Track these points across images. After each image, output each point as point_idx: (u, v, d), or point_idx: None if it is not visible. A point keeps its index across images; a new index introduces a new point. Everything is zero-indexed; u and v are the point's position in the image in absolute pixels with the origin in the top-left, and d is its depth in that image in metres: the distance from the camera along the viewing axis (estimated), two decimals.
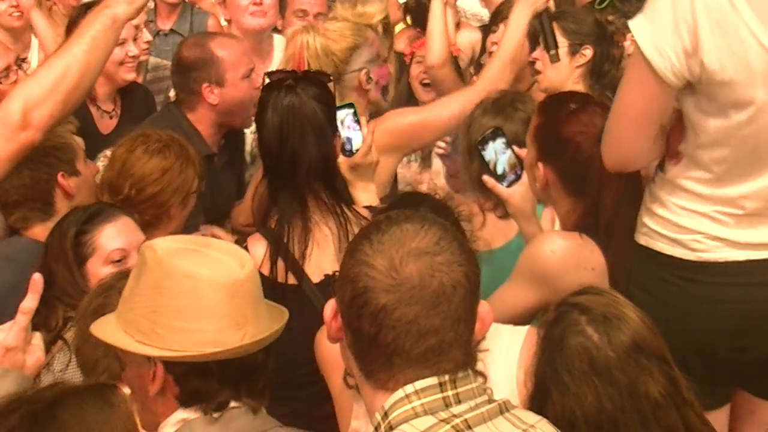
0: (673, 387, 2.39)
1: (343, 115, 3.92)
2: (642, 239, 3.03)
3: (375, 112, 4.43)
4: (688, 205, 2.90)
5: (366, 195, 3.86)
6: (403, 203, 3.19)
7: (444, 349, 1.97)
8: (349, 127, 3.91)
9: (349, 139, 3.90)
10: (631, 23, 2.80)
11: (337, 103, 3.82)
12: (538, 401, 2.39)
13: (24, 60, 4.64)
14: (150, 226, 3.73)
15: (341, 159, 3.78)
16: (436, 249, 1.97)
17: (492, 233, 3.75)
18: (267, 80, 3.67)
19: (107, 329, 2.40)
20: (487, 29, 5.48)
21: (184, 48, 4.69)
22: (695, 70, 2.70)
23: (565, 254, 3.26)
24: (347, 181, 3.93)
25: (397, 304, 1.92)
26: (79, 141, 4.03)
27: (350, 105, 4.01)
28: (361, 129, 3.95)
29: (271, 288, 3.19)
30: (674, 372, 2.41)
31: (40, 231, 3.62)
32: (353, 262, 1.97)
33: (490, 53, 4.86)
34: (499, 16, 5.20)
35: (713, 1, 2.64)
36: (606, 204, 3.22)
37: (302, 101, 3.39)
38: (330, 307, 2.04)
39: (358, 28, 4.36)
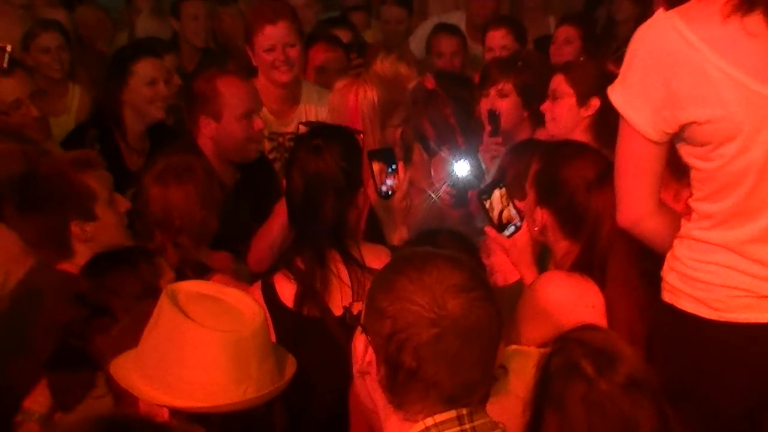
0: (664, 423, 2.40)
1: (381, 159, 3.98)
2: (666, 296, 2.95)
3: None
4: (705, 255, 2.83)
5: (397, 234, 3.92)
6: (426, 239, 3.28)
7: (475, 386, 2.03)
8: (385, 172, 3.94)
9: (385, 184, 3.94)
10: (609, 88, 2.85)
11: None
12: (534, 429, 2.41)
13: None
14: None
15: (377, 201, 3.90)
16: (470, 285, 2.03)
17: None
18: (301, 129, 3.83)
19: (125, 369, 2.45)
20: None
21: (196, 78, 4.74)
22: (674, 120, 2.71)
23: (566, 292, 3.26)
24: (381, 219, 4.00)
25: (439, 339, 1.96)
26: (105, 177, 3.97)
27: (389, 150, 4.06)
28: (397, 174, 3.96)
29: (296, 320, 3.42)
30: (665, 407, 2.41)
31: (67, 267, 3.57)
32: (392, 298, 1.99)
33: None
34: (488, 80, 5.19)
35: (674, 50, 2.68)
36: (600, 245, 3.24)
37: (327, 165, 3.47)
38: (362, 342, 2.06)
39: (401, 86, 4.43)
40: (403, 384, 1.98)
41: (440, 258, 2.10)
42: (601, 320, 3.14)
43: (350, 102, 4.20)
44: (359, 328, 2.09)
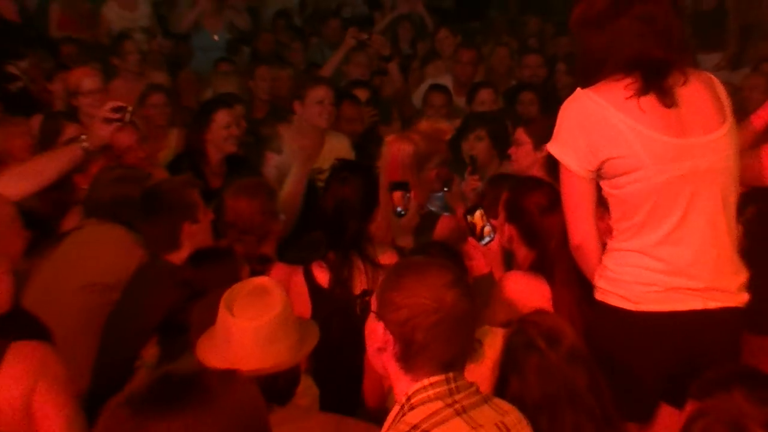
0: (595, 383, 2.39)
1: (399, 189, 4.00)
2: (598, 296, 2.89)
3: None
4: (624, 259, 2.80)
5: (404, 240, 3.95)
6: (422, 249, 3.30)
7: (461, 356, 2.11)
8: (402, 199, 3.96)
9: (401, 207, 3.96)
10: (548, 144, 2.85)
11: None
12: (500, 388, 2.41)
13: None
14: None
15: (393, 217, 3.95)
16: (457, 283, 2.09)
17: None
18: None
19: (202, 345, 2.47)
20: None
21: (264, 124, 5.11)
22: (595, 161, 2.69)
23: (524, 286, 3.28)
24: (394, 229, 4.03)
25: (440, 322, 2.03)
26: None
27: (406, 183, 4.06)
28: (411, 201, 3.99)
29: (329, 298, 3.48)
30: (596, 371, 2.41)
31: (171, 258, 3.57)
32: (404, 294, 2.05)
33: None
34: (468, 127, 5.26)
35: (592, 112, 2.68)
36: (549, 253, 3.26)
37: (352, 191, 3.54)
38: (380, 327, 2.08)
39: (439, 138, 4.42)
40: (414, 356, 2.04)
41: (434, 264, 2.19)
42: (548, 308, 3.12)
43: (393, 152, 4.21)
44: (374, 317, 2.12)
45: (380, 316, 2.09)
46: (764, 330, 3.07)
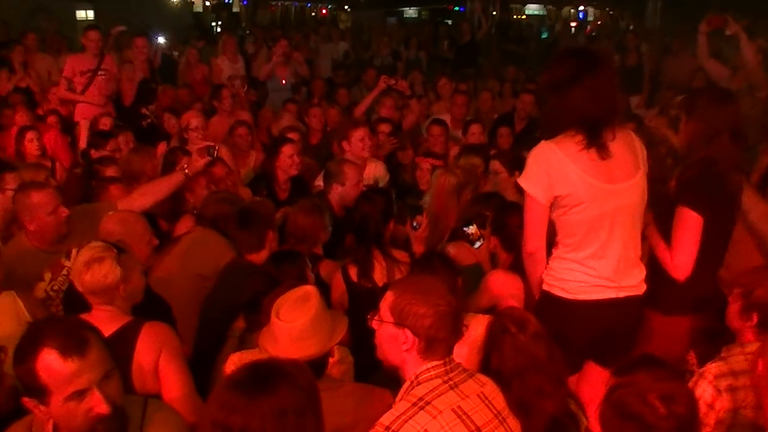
0: (552, 353, 2.39)
1: (416, 209, 3.95)
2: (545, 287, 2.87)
3: None
4: (566, 266, 2.79)
5: (417, 248, 3.80)
6: (426, 258, 3.16)
7: (454, 343, 2.09)
8: (419, 216, 3.89)
9: (416, 221, 3.86)
10: (518, 179, 2.80)
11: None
12: (485, 362, 2.41)
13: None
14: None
15: (411, 231, 3.85)
16: (453, 289, 2.19)
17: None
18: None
19: (262, 336, 2.40)
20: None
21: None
22: (551, 194, 2.67)
23: (504, 282, 3.21)
24: (411, 240, 3.91)
25: (452, 320, 2.04)
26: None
27: (420, 208, 4.04)
28: (423, 218, 3.87)
29: (358, 288, 3.42)
30: (552, 346, 2.42)
31: (253, 258, 3.51)
32: (428, 305, 2.01)
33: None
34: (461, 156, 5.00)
35: (551, 159, 2.64)
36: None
37: (375, 207, 3.54)
38: (405, 332, 2.02)
39: (471, 171, 4.42)
40: (433, 347, 2.03)
41: (434, 279, 2.21)
42: (522, 298, 3.12)
43: (441, 182, 4.15)
44: (394, 326, 2.05)
45: (405, 325, 2.03)
46: (660, 309, 3.01)
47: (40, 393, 1.77)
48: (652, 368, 1.93)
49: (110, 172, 4.37)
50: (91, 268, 2.54)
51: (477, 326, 2.68)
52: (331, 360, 2.62)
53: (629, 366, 1.97)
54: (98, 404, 1.78)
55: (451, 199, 4.11)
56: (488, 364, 2.38)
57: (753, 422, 2.39)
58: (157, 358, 2.52)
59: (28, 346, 1.78)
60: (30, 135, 5.35)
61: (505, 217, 3.45)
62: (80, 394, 1.77)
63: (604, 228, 2.70)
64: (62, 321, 1.93)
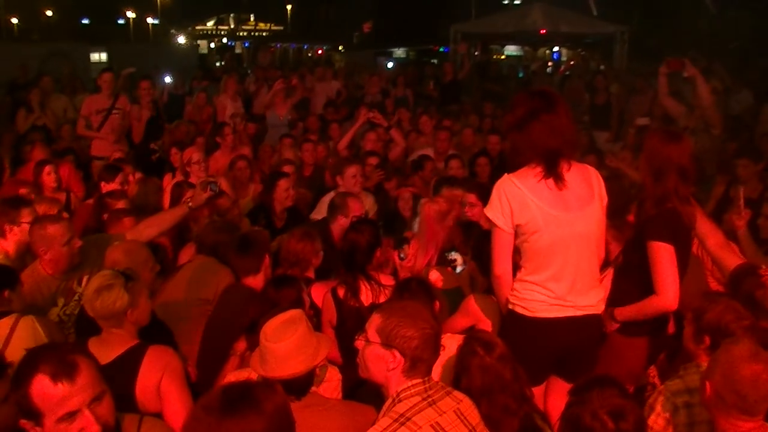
0: (516, 373, 2.43)
1: (403, 241, 4.03)
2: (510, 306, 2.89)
3: None
4: (527, 287, 2.82)
5: (403, 275, 3.80)
6: (405, 284, 3.19)
7: (434, 363, 2.12)
8: (406, 248, 3.96)
9: (403, 252, 3.94)
10: (485, 209, 2.86)
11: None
12: (455, 382, 2.41)
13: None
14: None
15: (398, 261, 3.91)
16: (431, 315, 2.15)
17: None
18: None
19: (253, 357, 2.40)
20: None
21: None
22: (513, 223, 2.73)
23: (482, 303, 3.21)
24: (398, 269, 3.96)
25: (434, 342, 2.07)
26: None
27: (407, 239, 4.11)
28: (409, 249, 3.94)
29: (344, 307, 3.40)
30: (518, 367, 2.45)
31: (250, 282, 3.48)
32: (414, 328, 2.03)
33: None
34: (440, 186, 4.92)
35: (512, 192, 2.71)
36: None
37: (362, 237, 3.52)
38: (393, 353, 2.02)
39: (454, 200, 4.40)
40: (417, 367, 2.05)
41: (417, 304, 2.21)
42: (497, 319, 3.10)
43: (426, 210, 4.17)
44: (380, 347, 2.06)
45: (392, 346, 2.05)
46: (621, 331, 3.05)
47: (35, 416, 1.77)
48: (604, 387, 1.96)
49: (120, 205, 4.40)
50: (101, 295, 2.57)
51: (452, 345, 2.69)
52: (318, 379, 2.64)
53: (585, 385, 2.00)
54: (89, 425, 1.77)
55: (438, 224, 4.14)
56: (458, 383, 2.40)
57: None
58: (159, 379, 2.52)
59: (23, 372, 1.79)
60: (47, 168, 5.39)
61: (482, 244, 3.40)
62: (71, 416, 1.77)
63: (560, 252, 2.74)
64: (54, 348, 1.92)
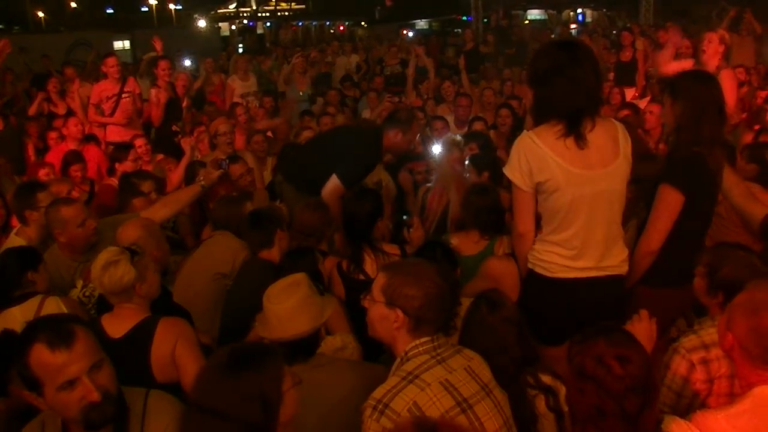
0: (522, 339, 2.37)
1: (408, 219, 3.85)
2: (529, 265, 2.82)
3: None
4: (547, 247, 2.74)
5: (410, 248, 3.63)
6: (428, 247, 3.16)
7: (441, 322, 2.10)
8: (409, 221, 3.80)
9: (410, 225, 3.74)
10: (504, 168, 2.76)
11: None
12: (459, 340, 2.37)
13: None
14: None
15: (407, 235, 3.72)
16: (441, 272, 2.07)
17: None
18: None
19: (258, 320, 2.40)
20: None
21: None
22: (532, 180, 2.63)
23: (498, 265, 3.18)
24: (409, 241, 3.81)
25: (440, 302, 2.03)
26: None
27: (410, 214, 4.02)
28: (414, 220, 3.76)
29: (350, 280, 3.37)
30: (526, 332, 2.41)
31: (265, 255, 3.45)
32: (417, 287, 2.00)
33: None
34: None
35: (531, 149, 2.60)
36: None
37: (361, 207, 3.48)
38: (396, 311, 2.00)
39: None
40: (422, 326, 2.02)
41: (422, 262, 2.17)
42: (515, 280, 3.00)
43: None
44: (385, 306, 2.03)
45: (396, 305, 2.01)
46: (646, 283, 2.95)
47: (36, 385, 1.79)
48: (609, 334, 1.87)
49: (146, 186, 4.39)
50: (108, 271, 2.57)
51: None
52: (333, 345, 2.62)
53: (590, 333, 1.91)
54: (89, 393, 1.78)
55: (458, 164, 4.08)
56: (460, 341, 2.37)
57: (729, 391, 2.31)
58: (173, 349, 2.53)
59: (22, 343, 1.80)
60: (75, 167, 5.38)
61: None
62: (71, 384, 1.78)
63: (583, 211, 2.65)
64: (51, 318, 1.94)
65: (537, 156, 2.61)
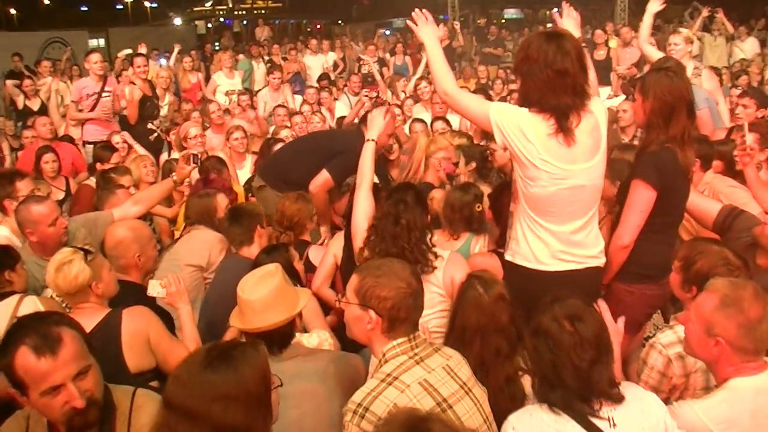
0: (513, 318, 2.38)
1: None
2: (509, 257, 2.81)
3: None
4: (527, 238, 2.72)
5: None
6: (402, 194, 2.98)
7: (417, 321, 2.06)
8: None
9: None
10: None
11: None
12: (452, 319, 2.40)
13: None
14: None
15: None
16: (414, 271, 2.07)
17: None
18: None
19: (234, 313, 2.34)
20: None
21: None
22: (508, 143, 2.61)
23: (482, 261, 3.10)
24: None
25: (413, 300, 2.01)
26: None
27: None
28: None
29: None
30: (515, 310, 2.40)
31: (244, 253, 3.45)
32: (389, 288, 1.98)
33: None
34: None
35: (523, 119, 2.57)
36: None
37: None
38: (370, 313, 1.98)
39: (442, 142, 4.30)
40: (396, 326, 2.00)
41: (393, 262, 2.13)
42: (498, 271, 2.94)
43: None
44: (359, 308, 2.02)
45: (369, 306, 2.00)
46: (624, 279, 2.94)
47: (20, 387, 1.76)
48: (565, 300, 1.94)
49: (124, 180, 4.33)
50: (61, 272, 2.54)
51: None
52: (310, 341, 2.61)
53: (548, 301, 1.96)
54: (73, 399, 1.75)
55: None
56: (454, 320, 2.37)
57: (704, 385, 2.34)
58: (146, 338, 2.53)
59: (8, 343, 1.76)
60: (46, 157, 5.29)
61: (500, 195, 3.33)
62: (55, 390, 1.74)
63: (561, 204, 2.65)
64: (40, 319, 1.86)
65: (523, 125, 2.60)
